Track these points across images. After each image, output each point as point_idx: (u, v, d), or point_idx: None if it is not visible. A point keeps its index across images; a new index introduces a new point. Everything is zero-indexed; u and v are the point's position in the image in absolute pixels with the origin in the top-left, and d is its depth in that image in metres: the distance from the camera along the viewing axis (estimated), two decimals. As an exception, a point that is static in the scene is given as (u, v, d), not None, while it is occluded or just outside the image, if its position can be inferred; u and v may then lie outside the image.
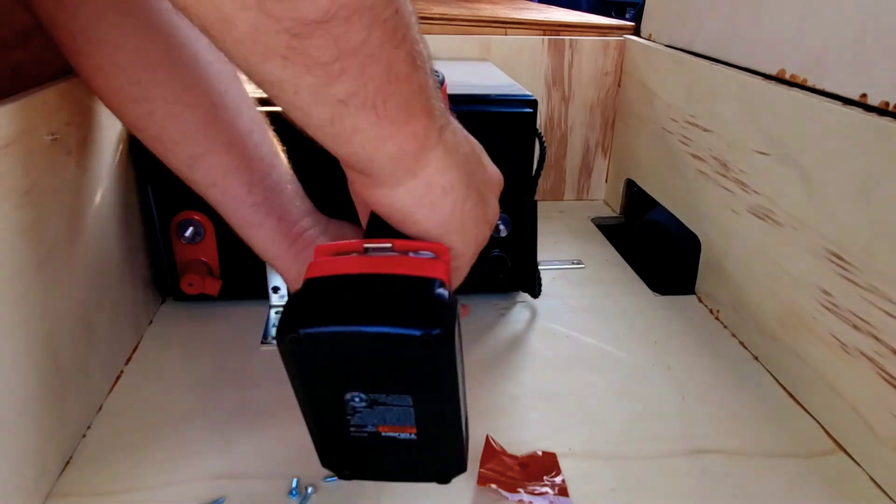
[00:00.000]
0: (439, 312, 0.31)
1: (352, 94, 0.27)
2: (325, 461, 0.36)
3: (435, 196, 0.32)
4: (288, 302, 0.32)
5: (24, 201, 0.36)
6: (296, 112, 0.28)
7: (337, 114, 0.27)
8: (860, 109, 0.42)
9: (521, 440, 0.43)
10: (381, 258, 0.33)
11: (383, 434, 0.34)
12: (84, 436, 0.43)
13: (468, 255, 0.35)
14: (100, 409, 0.45)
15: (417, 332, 0.30)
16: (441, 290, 0.32)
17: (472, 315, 0.58)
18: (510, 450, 0.42)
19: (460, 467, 0.37)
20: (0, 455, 0.33)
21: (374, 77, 0.27)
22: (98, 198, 0.46)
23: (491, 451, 0.41)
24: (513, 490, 0.38)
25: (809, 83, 0.48)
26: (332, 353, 0.31)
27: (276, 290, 0.57)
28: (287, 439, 0.43)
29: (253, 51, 0.25)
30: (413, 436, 0.34)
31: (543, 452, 0.42)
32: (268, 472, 0.40)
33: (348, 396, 0.32)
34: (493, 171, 0.37)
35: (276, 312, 0.57)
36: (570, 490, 0.39)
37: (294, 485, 0.39)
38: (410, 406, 0.33)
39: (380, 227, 0.35)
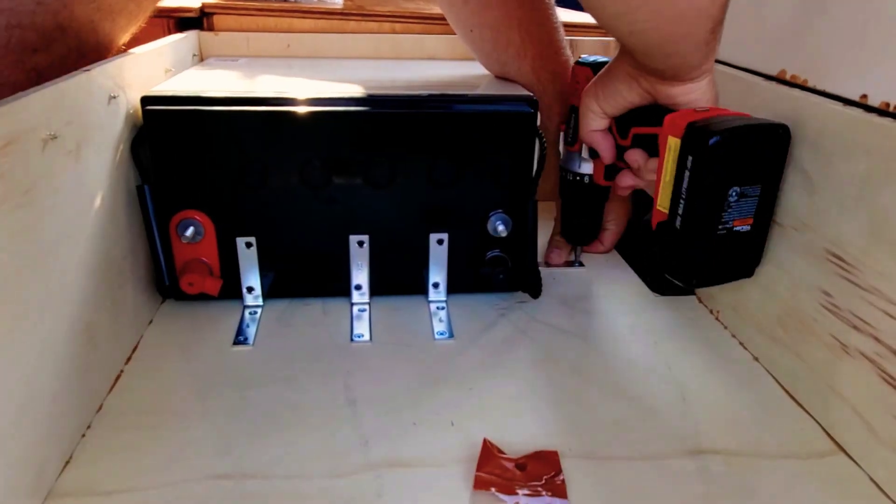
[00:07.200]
0: (775, 123, 0.46)
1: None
2: (678, 269, 0.49)
3: (708, 83, 0.48)
4: (688, 128, 0.45)
5: (24, 200, 0.36)
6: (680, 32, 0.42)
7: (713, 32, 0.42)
8: (861, 110, 0.42)
9: (520, 440, 0.43)
10: (709, 111, 0.46)
11: (735, 228, 0.46)
12: (83, 435, 0.43)
13: None
14: (99, 408, 0.45)
15: (779, 127, 0.46)
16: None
17: (471, 315, 0.58)
18: (509, 450, 0.42)
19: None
20: (-1, 454, 0.33)
21: None
22: (98, 197, 0.46)
23: (488, 453, 0.41)
24: (511, 492, 0.38)
25: (810, 84, 0.48)
26: (733, 151, 0.44)
27: (250, 289, 0.57)
28: (287, 439, 0.43)
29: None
30: (748, 227, 0.47)
31: (544, 451, 0.42)
32: (268, 471, 0.40)
33: (731, 192, 0.45)
34: None
35: (251, 312, 0.57)
36: (568, 490, 0.39)
37: None
38: (758, 196, 0.46)
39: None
